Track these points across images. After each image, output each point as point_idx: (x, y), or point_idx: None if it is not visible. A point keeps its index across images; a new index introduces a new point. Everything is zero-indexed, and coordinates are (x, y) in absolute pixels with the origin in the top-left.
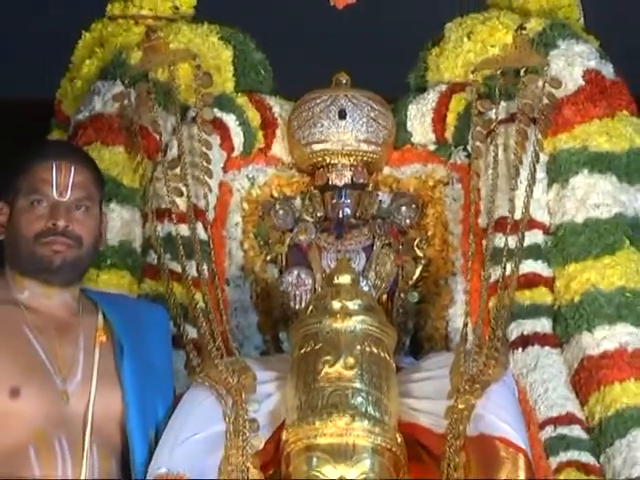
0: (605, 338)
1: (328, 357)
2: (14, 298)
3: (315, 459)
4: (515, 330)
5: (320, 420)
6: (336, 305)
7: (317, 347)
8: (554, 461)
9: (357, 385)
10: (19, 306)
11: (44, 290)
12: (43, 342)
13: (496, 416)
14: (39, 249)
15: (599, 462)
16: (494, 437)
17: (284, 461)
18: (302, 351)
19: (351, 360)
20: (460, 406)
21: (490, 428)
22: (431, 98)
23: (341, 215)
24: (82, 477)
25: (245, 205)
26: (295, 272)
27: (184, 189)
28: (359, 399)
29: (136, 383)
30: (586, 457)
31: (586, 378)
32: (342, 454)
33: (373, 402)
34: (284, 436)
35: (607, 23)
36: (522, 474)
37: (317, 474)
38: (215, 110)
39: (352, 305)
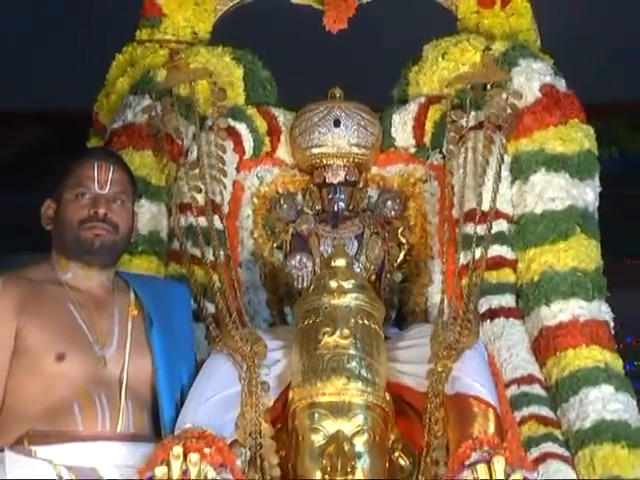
0: (560, 311)
1: (327, 328)
2: (59, 279)
3: (317, 415)
4: (484, 304)
5: (321, 382)
6: (333, 284)
7: (318, 320)
8: (518, 415)
9: (352, 352)
10: (64, 286)
11: (85, 272)
12: (84, 316)
13: (470, 378)
14: (82, 233)
15: (556, 415)
16: (468, 395)
17: (290, 417)
18: (305, 323)
19: (346, 331)
20: (439, 369)
21: (465, 388)
22: (412, 109)
23: (336, 208)
24: (119, 429)
25: (255, 200)
26: (298, 257)
27: (202, 187)
28: (353, 364)
29: (164, 351)
30: (545, 411)
31: (544, 345)
32: (340, 410)
33: (365, 366)
34: (290, 395)
35: (561, 42)
36: (492, 426)
37: (319, 428)
38: (229, 120)
39: (347, 284)
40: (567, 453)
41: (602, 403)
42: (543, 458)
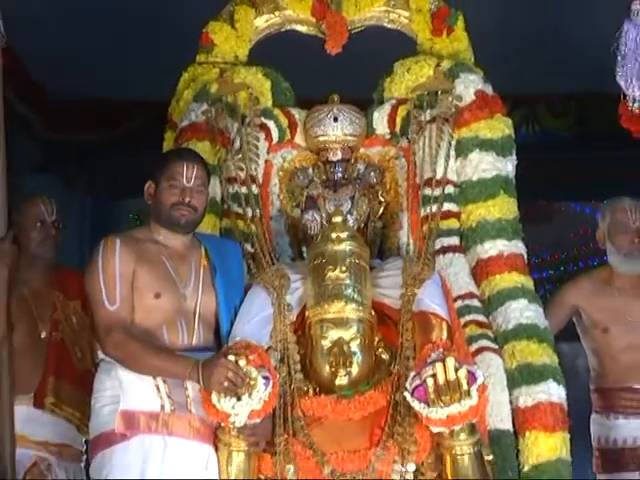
0: (490, 248)
1: (330, 266)
2: (155, 239)
3: (325, 327)
4: (438, 244)
5: (327, 304)
6: (334, 235)
7: (324, 261)
8: (462, 320)
9: (348, 282)
10: (158, 244)
11: (173, 235)
12: (172, 265)
13: (430, 300)
14: (173, 213)
15: (488, 320)
16: (429, 312)
17: (307, 328)
18: (315, 263)
19: (344, 268)
20: (408, 293)
21: (426, 307)
22: (386, 108)
23: (336, 178)
24: (193, 343)
25: (280, 173)
26: (310, 212)
27: (243, 165)
28: (349, 290)
29: (224, 290)
30: (481, 317)
31: (479, 272)
32: (340, 323)
33: (357, 292)
34: (306, 313)
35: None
36: (445, 334)
37: (326, 336)
38: (261, 118)
39: (343, 235)
40: (496, 347)
41: (520, 312)
42: (480, 350)
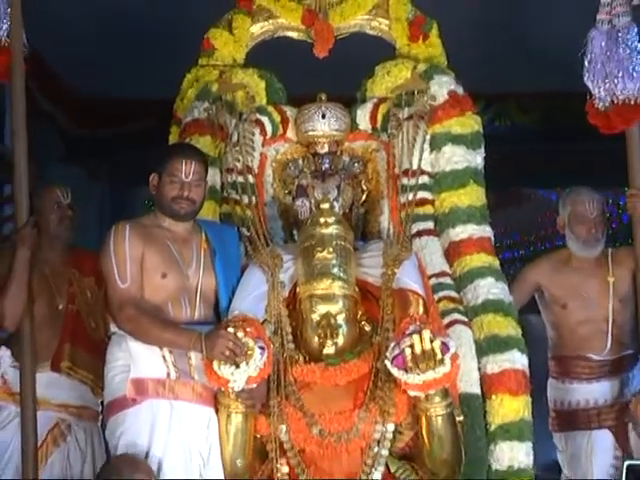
0: (461, 232)
1: (319, 248)
2: (160, 225)
3: (314, 302)
4: (415, 228)
5: (315, 281)
6: (322, 220)
7: (313, 242)
8: (436, 296)
9: (334, 262)
10: (163, 229)
11: (175, 222)
12: (176, 248)
13: (408, 278)
14: (173, 205)
15: (459, 296)
16: (407, 289)
17: (298, 303)
18: (305, 244)
19: (331, 249)
20: (388, 273)
21: (405, 284)
22: (369, 106)
23: (323, 168)
24: (195, 317)
25: (273, 164)
26: (300, 199)
27: (240, 157)
28: (335, 269)
29: (222, 271)
30: (453, 294)
31: (452, 253)
32: (328, 299)
33: (343, 271)
34: (297, 290)
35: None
36: (421, 309)
37: (315, 310)
38: (256, 114)
39: (330, 220)
40: (466, 320)
41: (487, 289)
42: (452, 323)
